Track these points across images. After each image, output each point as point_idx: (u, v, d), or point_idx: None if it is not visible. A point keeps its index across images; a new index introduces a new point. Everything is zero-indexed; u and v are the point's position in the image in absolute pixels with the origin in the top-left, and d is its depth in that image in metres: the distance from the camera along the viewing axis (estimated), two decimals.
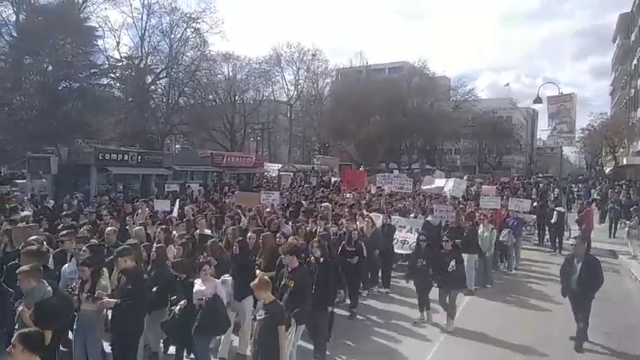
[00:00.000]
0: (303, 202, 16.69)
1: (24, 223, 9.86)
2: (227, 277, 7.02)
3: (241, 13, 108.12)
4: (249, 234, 8.65)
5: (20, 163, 25.15)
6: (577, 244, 8.45)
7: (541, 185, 31.16)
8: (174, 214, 12.56)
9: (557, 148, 23.70)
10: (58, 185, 20.76)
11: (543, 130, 42.49)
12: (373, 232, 10.81)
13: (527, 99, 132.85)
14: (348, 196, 18.16)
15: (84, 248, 7.13)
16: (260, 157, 38.96)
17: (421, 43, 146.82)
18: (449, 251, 8.94)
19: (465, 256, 11.13)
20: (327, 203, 14.68)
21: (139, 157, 24.41)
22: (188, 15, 35.71)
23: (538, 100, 23.10)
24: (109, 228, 8.81)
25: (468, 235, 11.24)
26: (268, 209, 13.09)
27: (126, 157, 23.61)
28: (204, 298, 6.22)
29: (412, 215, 13.59)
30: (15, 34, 28.35)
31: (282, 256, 7.15)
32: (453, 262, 8.59)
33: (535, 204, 17.55)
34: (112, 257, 6.67)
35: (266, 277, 5.66)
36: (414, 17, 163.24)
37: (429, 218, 12.73)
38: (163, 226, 9.43)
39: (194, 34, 36.31)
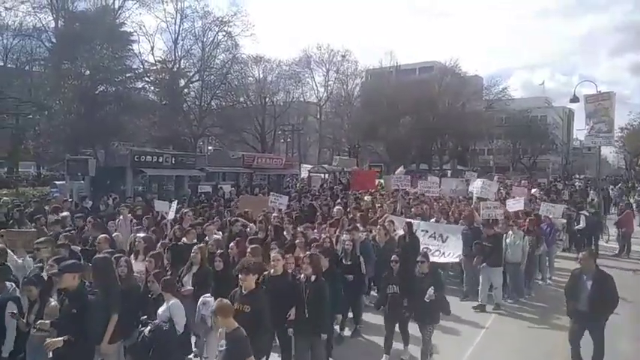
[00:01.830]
0: (316, 205, 15.12)
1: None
2: (208, 297, 6.28)
3: (271, 16, 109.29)
4: (231, 244, 7.80)
5: (59, 165, 26.06)
6: (584, 258, 7.02)
7: (581, 187, 30.09)
8: (170, 217, 11.44)
9: (595, 148, 22.74)
10: (95, 186, 21.33)
11: (580, 130, 41.26)
12: (387, 240, 9.81)
13: (562, 97, 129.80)
14: (366, 198, 16.35)
15: (50, 261, 6.17)
16: (290, 159, 39.17)
17: (452, 42, 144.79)
18: (425, 275, 7.01)
19: (486, 268, 10.06)
20: (339, 207, 13.04)
21: (173, 159, 24.88)
22: (220, 19, 36.20)
23: (575, 99, 22.36)
24: (100, 236, 8.17)
25: (491, 244, 10.08)
26: (275, 214, 11.91)
27: (160, 159, 24.10)
28: (155, 323, 5.62)
29: (433, 220, 12.25)
30: (54, 40, 29.44)
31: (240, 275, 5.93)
32: (431, 291, 6.66)
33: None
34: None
35: (226, 301, 4.96)
36: (444, 16, 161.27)
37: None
38: (144, 236, 8.51)
39: (226, 38, 36.80)
